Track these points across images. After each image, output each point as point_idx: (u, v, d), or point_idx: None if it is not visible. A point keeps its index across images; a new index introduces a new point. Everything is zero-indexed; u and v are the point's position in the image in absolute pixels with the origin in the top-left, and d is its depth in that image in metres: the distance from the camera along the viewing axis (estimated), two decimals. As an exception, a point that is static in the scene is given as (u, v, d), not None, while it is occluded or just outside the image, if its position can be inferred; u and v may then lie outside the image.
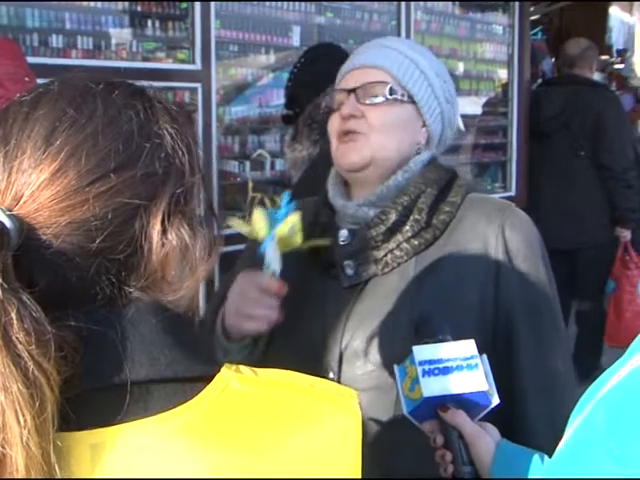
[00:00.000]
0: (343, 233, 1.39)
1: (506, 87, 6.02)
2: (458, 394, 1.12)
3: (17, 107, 0.70)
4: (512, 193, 5.89)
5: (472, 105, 5.98)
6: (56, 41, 3.56)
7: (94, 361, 0.65)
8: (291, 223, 1.27)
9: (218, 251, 0.77)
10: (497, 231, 1.37)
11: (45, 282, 0.64)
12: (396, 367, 1.20)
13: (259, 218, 1.26)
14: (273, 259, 1.27)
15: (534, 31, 8.46)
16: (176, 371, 0.67)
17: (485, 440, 1.12)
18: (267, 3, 4.40)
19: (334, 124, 1.42)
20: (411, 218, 1.37)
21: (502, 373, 1.30)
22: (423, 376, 1.13)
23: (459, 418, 1.12)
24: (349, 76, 1.43)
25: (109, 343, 0.65)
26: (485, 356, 1.17)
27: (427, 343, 1.16)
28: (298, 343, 1.35)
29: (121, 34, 3.85)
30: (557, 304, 1.42)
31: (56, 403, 0.61)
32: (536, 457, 1.11)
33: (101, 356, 0.65)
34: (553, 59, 8.52)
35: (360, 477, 0.68)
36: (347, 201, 1.43)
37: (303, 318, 1.41)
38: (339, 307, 1.37)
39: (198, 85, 3.93)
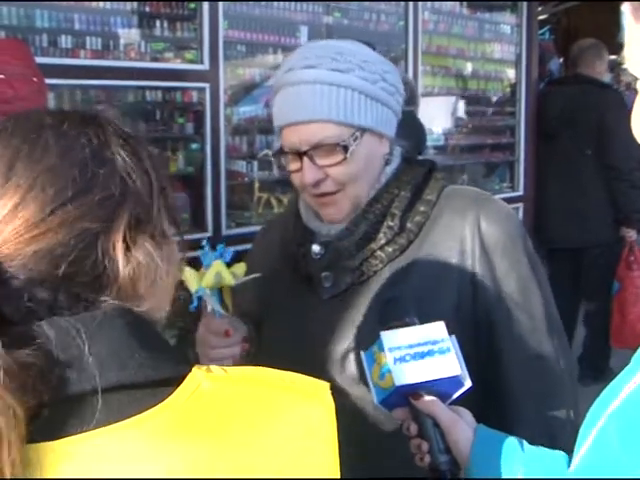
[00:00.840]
0: (315, 248, 1.37)
1: (514, 87, 6.02)
2: (431, 380, 1.08)
3: None
4: (520, 192, 5.88)
5: (480, 105, 5.98)
6: (65, 41, 3.59)
7: (62, 370, 0.65)
8: (215, 271, 1.30)
9: (182, 261, 0.80)
10: (472, 227, 1.33)
11: (12, 310, 0.65)
12: (363, 354, 1.16)
13: (188, 276, 1.30)
14: (214, 304, 1.33)
15: (542, 31, 8.44)
16: (146, 375, 0.67)
17: (461, 427, 1.09)
18: (275, 3, 4.41)
19: (298, 183, 1.36)
20: (384, 225, 1.34)
21: (488, 377, 1.30)
22: (394, 363, 1.08)
23: (433, 406, 1.08)
24: (289, 132, 1.33)
25: (77, 350, 0.66)
26: (454, 337, 1.12)
27: (393, 327, 1.12)
28: (281, 357, 1.34)
29: (129, 34, 3.87)
30: (546, 299, 1.36)
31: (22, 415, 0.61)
32: (515, 442, 1.08)
33: (69, 364, 0.65)
34: (561, 59, 8.50)
35: (337, 466, 0.68)
36: (321, 223, 1.41)
37: (285, 332, 1.42)
38: (319, 319, 1.37)
39: (206, 85, 3.95)
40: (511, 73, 6.04)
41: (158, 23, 3.96)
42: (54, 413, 0.64)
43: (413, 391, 1.09)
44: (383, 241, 1.34)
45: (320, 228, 1.40)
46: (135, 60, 3.84)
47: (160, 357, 0.70)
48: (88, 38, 3.65)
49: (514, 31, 5.99)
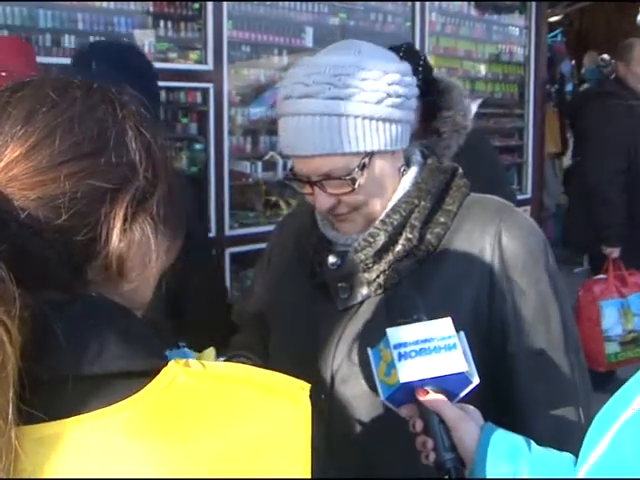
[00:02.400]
0: (332, 259, 1.34)
1: (522, 89, 5.99)
2: (436, 377, 1.06)
3: (1, 92, 0.73)
4: (528, 195, 5.85)
5: (488, 107, 5.95)
6: (68, 41, 3.60)
7: (38, 354, 0.64)
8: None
9: (175, 253, 0.79)
10: (493, 240, 1.29)
11: (7, 254, 0.64)
12: (370, 350, 1.15)
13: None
14: None
15: (554, 33, 8.41)
16: (120, 366, 0.67)
17: (468, 424, 1.07)
18: (280, 4, 4.41)
19: (309, 202, 1.34)
20: (403, 236, 1.31)
21: (500, 393, 1.28)
22: (399, 360, 1.07)
23: (439, 403, 1.07)
24: (297, 162, 1.30)
25: (54, 337, 0.65)
26: (462, 333, 1.11)
27: (401, 324, 1.10)
28: (290, 364, 1.32)
29: (133, 35, 3.87)
30: (565, 316, 1.32)
31: (15, 369, 0.61)
32: (522, 441, 1.07)
33: (45, 349, 0.65)
34: (573, 61, 8.46)
35: (308, 469, 0.67)
36: (337, 232, 1.38)
37: (296, 339, 1.40)
38: (332, 329, 1.34)
39: (210, 85, 3.95)
40: (519, 75, 6.01)
41: (162, 23, 3.96)
42: (26, 397, 0.63)
43: (419, 387, 1.07)
44: (402, 253, 1.31)
45: (337, 238, 1.38)
46: (139, 60, 3.84)
47: (136, 349, 0.70)
48: (92, 38, 3.65)
49: (522, 33, 5.96)
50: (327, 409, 1.32)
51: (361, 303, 1.33)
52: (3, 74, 1.99)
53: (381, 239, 1.31)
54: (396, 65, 1.30)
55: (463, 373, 1.08)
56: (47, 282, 0.68)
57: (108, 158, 0.71)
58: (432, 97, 2.66)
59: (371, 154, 1.27)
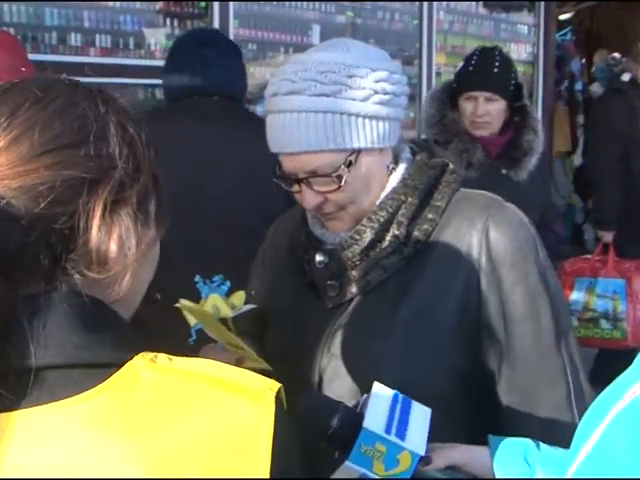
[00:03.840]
0: (319, 257, 1.34)
1: (531, 87, 5.96)
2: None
3: None
4: (536, 195, 5.83)
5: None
6: (75, 39, 3.62)
7: (2, 344, 0.65)
8: (212, 303, 1.28)
9: (153, 246, 0.80)
10: (480, 236, 1.28)
11: None
12: (347, 464, 1.07)
13: (185, 308, 1.28)
14: (217, 336, 1.32)
15: (564, 31, 8.36)
16: (82, 357, 0.68)
17: (467, 449, 1.12)
18: (286, 2, 4.41)
19: (300, 202, 1.33)
20: (390, 233, 1.30)
21: (488, 392, 1.28)
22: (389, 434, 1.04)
23: (446, 456, 1.10)
24: (284, 159, 1.29)
25: (18, 325, 0.66)
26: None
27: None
28: (279, 361, 1.32)
29: (139, 33, 3.89)
30: (557, 311, 1.30)
31: None
32: (530, 442, 1.09)
33: (8, 338, 0.66)
34: (583, 59, 8.42)
35: (267, 469, 0.66)
36: (326, 230, 1.37)
37: (287, 338, 1.40)
38: (320, 327, 1.33)
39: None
40: (528, 74, 5.99)
41: (169, 21, 3.98)
42: None
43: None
44: (389, 250, 1.30)
45: (325, 236, 1.37)
46: (144, 58, 3.86)
47: (102, 341, 0.70)
48: (97, 36, 3.68)
49: (531, 31, 5.94)
50: None
51: (350, 301, 1.33)
52: (23, 69, 2.01)
53: (367, 236, 1.30)
54: (385, 63, 1.29)
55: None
56: (26, 270, 0.68)
57: (87, 150, 0.73)
58: (522, 103, 2.73)
59: (358, 151, 1.26)
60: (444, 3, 5.28)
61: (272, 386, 0.71)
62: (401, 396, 1.10)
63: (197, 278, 1.29)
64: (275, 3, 4.34)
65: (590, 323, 3.96)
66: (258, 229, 1.67)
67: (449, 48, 5.41)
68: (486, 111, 2.64)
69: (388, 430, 1.04)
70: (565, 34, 8.52)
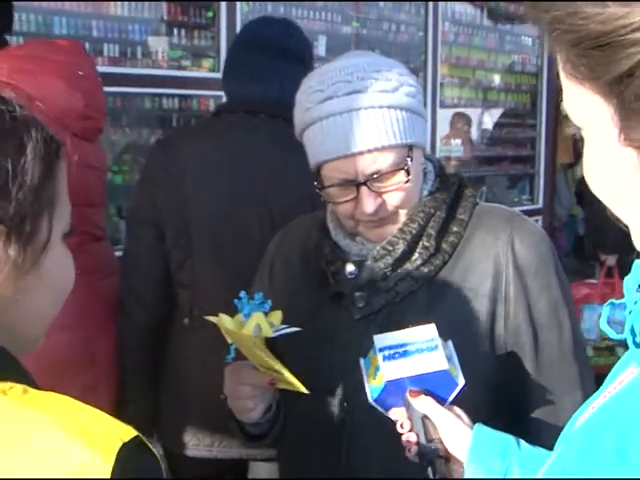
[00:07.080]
0: (350, 267, 1.35)
1: (535, 99, 5.98)
2: (419, 375, 1.11)
3: None
4: (539, 205, 5.84)
5: (500, 116, 5.95)
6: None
7: None
8: (255, 322, 1.24)
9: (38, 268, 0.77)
10: (506, 247, 1.32)
11: None
12: (362, 360, 1.19)
13: (225, 325, 1.24)
14: (250, 356, 1.29)
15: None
16: None
17: (457, 423, 1.11)
18: (293, 12, 4.42)
19: (348, 212, 1.32)
20: (420, 245, 1.33)
21: (514, 396, 1.30)
22: (384, 361, 1.13)
23: (427, 403, 1.11)
24: (341, 164, 1.27)
25: None
26: (450, 342, 1.17)
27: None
28: (308, 374, 1.31)
29: (147, 42, 3.90)
30: (573, 321, 1.35)
31: None
32: (512, 440, 1.10)
33: None
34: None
35: None
36: (352, 241, 1.38)
37: (313, 350, 1.39)
38: (350, 338, 1.33)
39: (223, 93, 3.94)
40: (532, 85, 6.01)
41: (176, 31, 3.99)
42: None
43: (406, 388, 1.12)
44: (419, 262, 1.32)
45: (351, 247, 1.38)
46: (152, 68, 3.86)
47: None
48: (106, 45, 3.69)
49: (535, 42, 5.96)
50: (350, 417, 1.33)
51: (378, 311, 1.33)
52: (80, 73, 2.00)
53: (400, 247, 1.32)
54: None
55: (445, 371, 1.12)
56: None
57: None
58: None
59: (411, 147, 1.30)
60: (449, 14, 5.30)
61: (124, 436, 0.68)
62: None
63: (242, 294, 1.27)
64: (282, 13, 4.35)
65: (606, 351, 3.94)
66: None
67: (454, 59, 5.43)
68: None
69: (383, 349, 1.16)
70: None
